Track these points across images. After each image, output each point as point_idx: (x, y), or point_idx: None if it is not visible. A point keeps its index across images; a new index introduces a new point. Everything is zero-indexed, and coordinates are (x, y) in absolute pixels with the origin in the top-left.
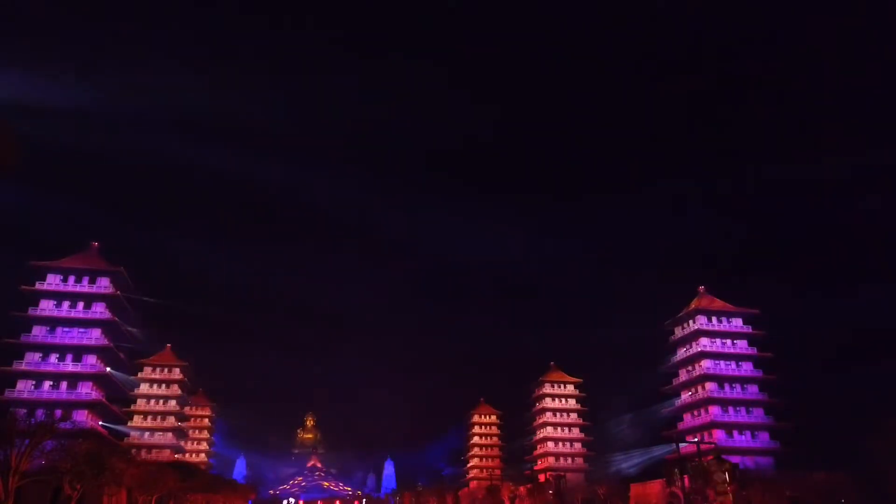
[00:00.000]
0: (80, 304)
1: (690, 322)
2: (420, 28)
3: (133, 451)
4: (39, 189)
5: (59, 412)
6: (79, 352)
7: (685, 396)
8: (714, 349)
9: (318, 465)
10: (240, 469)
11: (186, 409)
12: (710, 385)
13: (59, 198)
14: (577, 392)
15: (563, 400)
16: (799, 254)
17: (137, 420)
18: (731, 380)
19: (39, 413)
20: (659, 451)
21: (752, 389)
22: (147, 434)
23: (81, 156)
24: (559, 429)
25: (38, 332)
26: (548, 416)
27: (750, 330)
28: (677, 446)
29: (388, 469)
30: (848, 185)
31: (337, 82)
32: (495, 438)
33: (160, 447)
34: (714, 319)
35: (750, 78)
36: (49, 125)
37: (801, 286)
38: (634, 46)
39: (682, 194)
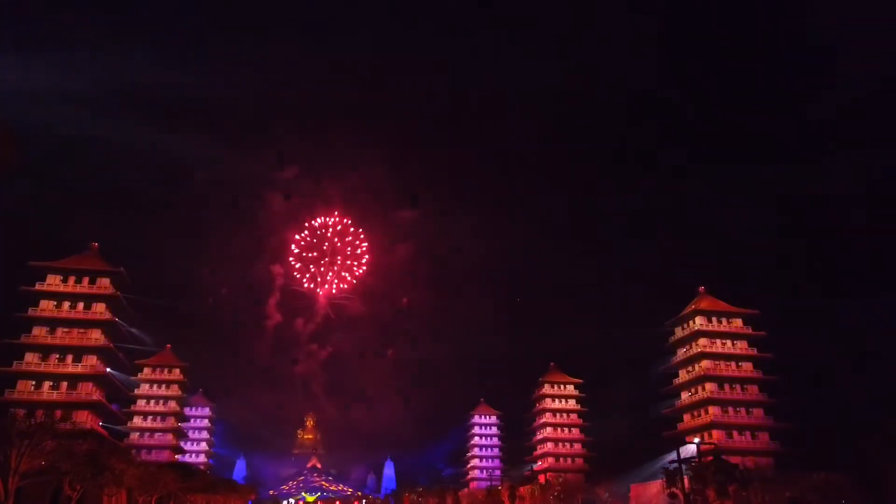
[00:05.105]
0: (80, 305)
1: (690, 322)
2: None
3: (133, 451)
4: (39, 188)
5: (59, 412)
6: (79, 352)
7: (685, 397)
8: (714, 350)
9: (318, 465)
10: (240, 469)
11: (186, 409)
12: (709, 386)
13: (60, 196)
14: (577, 392)
15: (563, 400)
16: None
17: (137, 420)
18: (731, 380)
19: (39, 413)
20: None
21: (753, 390)
22: (147, 434)
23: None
24: (559, 429)
25: (38, 333)
26: (548, 417)
27: (750, 331)
28: (677, 447)
29: (388, 469)
30: (860, 187)
31: None
32: (495, 439)
33: (160, 447)
34: (714, 320)
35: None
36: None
37: (803, 287)
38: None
39: (683, 192)
